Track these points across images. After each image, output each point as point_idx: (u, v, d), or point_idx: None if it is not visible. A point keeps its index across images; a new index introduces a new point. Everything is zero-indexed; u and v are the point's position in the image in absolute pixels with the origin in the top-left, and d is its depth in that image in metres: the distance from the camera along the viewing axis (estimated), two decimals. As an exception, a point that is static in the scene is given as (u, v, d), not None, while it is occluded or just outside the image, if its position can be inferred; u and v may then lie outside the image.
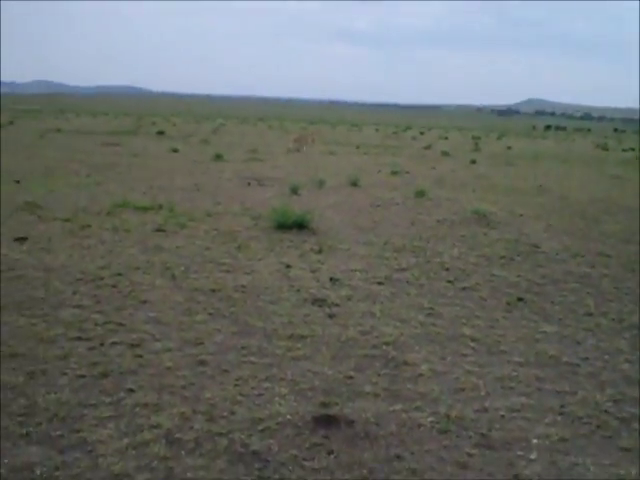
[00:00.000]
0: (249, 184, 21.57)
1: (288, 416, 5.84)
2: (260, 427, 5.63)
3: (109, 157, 28.46)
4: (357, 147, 46.35)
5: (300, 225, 13.85)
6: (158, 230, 13.25)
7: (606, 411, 6.32)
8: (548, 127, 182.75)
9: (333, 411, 5.96)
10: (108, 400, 5.99)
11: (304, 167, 28.34)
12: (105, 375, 6.51)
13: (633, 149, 72.55)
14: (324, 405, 6.08)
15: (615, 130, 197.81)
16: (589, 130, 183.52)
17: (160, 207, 15.77)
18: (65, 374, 6.49)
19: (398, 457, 5.30)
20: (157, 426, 5.55)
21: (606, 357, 7.75)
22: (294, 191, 19.53)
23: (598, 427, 5.98)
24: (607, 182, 28.99)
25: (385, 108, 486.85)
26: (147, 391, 6.19)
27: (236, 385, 6.42)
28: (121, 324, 7.93)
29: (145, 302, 8.80)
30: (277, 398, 6.18)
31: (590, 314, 9.37)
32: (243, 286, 9.71)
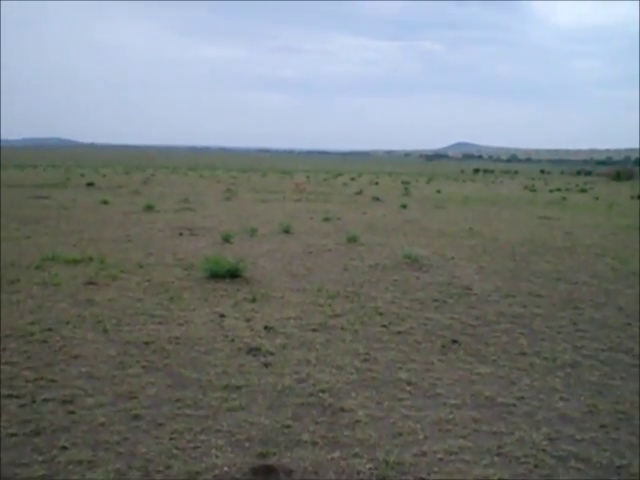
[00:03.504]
0: (181, 234, 21.44)
1: (225, 468, 5.77)
2: (197, 481, 5.55)
3: (38, 210, 28.06)
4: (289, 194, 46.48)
5: (233, 274, 13.79)
6: (89, 283, 13.06)
7: (543, 450, 6.37)
8: (476, 170, 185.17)
9: (271, 461, 5.91)
10: (41, 458, 5.85)
11: (236, 216, 28.29)
12: (37, 433, 6.37)
13: (559, 189, 74.08)
14: (262, 455, 6.02)
15: (542, 172, 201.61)
16: (516, 172, 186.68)
17: (91, 259, 15.57)
18: (-5, 433, 6.34)
19: (338, 505, 5.26)
20: (91, 484, 5.44)
21: (541, 396, 7.83)
22: (226, 240, 19.48)
23: (536, 466, 6.02)
24: (535, 223, 29.47)
25: (316, 155, 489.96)
26: (81, 448, 6.06)
27: (172, 439, 6.32)
28: (53, 380, 7.78)
29: (77, 357, 8.65)
30: (214, 450, 6.10)
31: (524, 354, 9.47)
32: (177, 337, 9.61)
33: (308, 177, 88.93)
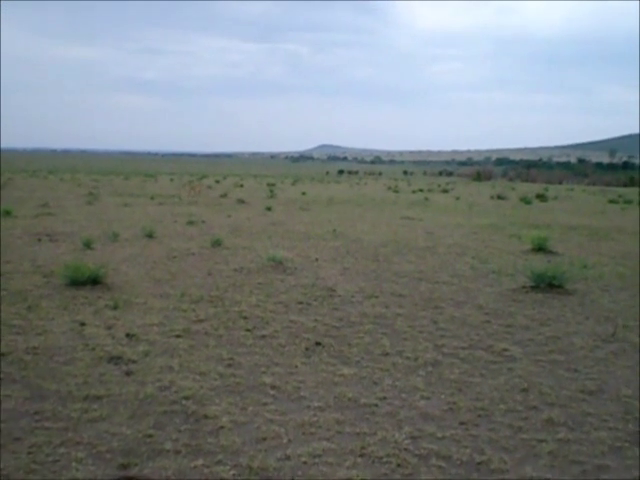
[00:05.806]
0: (40, 240, 20.86)
1: (86, 481, 5.65)
2: (56, 496, 5.42)
3: None
4: (152, 198, 45.85)
5: (94, 281, 13.51)
6: (-59, 294, 12.58)
7: (405, 449, 6.48)
8: (341, 172, 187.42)
9: (133, 472, 5.82)
10: None
11: (98, 220, 27.75)
12: None
13: (422, 190, 75.68)
14: (123, 466, 5.93)
15: (405, 172, 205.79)
16: (380, 173, 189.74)
17: (-57, 269, 15.00)
18: None
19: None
20: (-57, 504, 5.24)
21: (403, 395, 7.96)
22: (87, 245, 19.08)
23: (398, 466, 6.12)
24: (398, 223, 29.97)
25: (180, 158, 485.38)
26: None
27: (30, 453, 6.15)
28: None
29: None
30: (74, 463, 5.97)
31: (386, 354, 9.61)
32: (35, 348, 9.35)
33: (172, 180, 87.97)
